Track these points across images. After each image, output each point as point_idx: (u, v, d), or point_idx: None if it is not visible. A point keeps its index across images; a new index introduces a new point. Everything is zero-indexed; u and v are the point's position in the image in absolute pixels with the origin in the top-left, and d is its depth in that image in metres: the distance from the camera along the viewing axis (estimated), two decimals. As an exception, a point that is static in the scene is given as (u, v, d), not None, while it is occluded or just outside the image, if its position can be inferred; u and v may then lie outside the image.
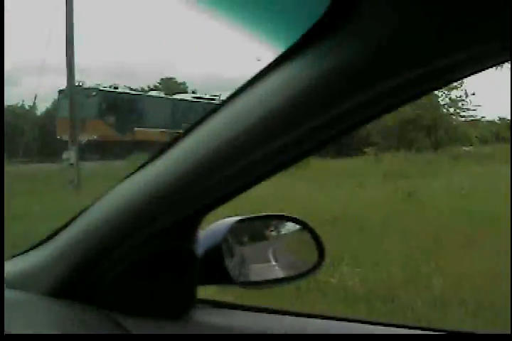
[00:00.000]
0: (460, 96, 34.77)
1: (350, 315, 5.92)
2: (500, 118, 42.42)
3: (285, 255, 2.24)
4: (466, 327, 5.76)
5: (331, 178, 18.51)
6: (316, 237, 2.04)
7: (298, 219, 2.08)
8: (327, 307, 6.23)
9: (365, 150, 26.88)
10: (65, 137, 20.47)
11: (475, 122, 37.39)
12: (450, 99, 34.87)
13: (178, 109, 29.14)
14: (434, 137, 32.78)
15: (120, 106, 27.01)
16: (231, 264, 2.09)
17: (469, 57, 0.95)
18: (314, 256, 2.05)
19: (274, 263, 2.23)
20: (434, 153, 28.45)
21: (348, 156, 26.44)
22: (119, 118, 27.15)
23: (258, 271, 2.22)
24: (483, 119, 38.50)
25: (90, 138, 25.23)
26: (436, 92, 34.72)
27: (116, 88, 30.02)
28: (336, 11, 0.93)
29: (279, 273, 2.15)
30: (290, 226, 2.19)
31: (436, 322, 5.91)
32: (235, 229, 2.12)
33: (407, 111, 32.16)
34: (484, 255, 7.59)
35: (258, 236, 2.30)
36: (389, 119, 31.83)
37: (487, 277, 6.77)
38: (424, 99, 33.46)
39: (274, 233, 2.27)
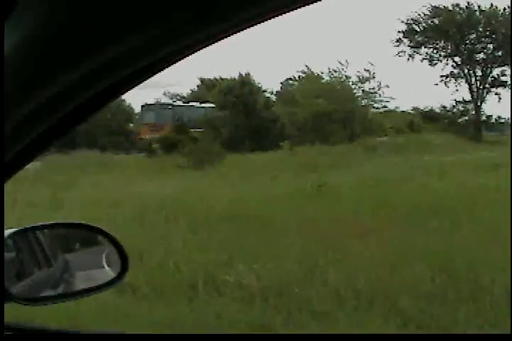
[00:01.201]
0: (373, 88, 35.37)
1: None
2: (413, 108, 43.46)
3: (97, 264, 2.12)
4: (360, 318, 5.77)
5: (245, 173, 18.46)
6: (118, 247, 1.94)
7: (98, 229, 1.96)
8: (222, 306, 6.13)
9: (281, 143, 26.96)
10: (147, 136, 31.77)
11: (389, 113, 38.14)
12: (363, 91, 35.42)
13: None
14: (350, 129, 33.18)
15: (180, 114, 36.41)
16: (44, 275, 1.95)
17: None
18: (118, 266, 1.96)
19: (107, 268, 2.10)
20: (350, 145, 28.78)
21: (264, 150, 26.45)
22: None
23: (89, 277, 2.09)
24: (397, 110, 39.34)
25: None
26: (350, 84, 35.28)
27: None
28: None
29: (110, 277, 2.03)
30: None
31: (333, 314, 5.90)
32: (42, 237, 1.98)
33: (322, 104, 32.50)
34: (381, 245, 7.64)
35: (90, 242, 2.17)
36: (301, 112, 32.07)
37: (382, 267, 6.80)
38: (339, 92, 33.96)
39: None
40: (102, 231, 1.92)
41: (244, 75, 35.80)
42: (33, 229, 1.81)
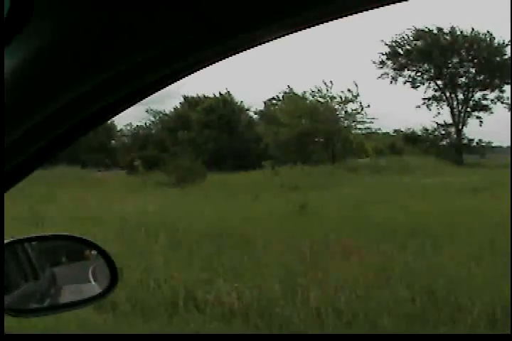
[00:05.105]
0: (356, 109, 35.57)
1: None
2: (395, 130, 43.76)
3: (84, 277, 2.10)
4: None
5: (227, 192, 18.45)
6: (108, 260, 1.93)
7: (89, 241, 1.95)
8: (202, 324, 6.09)
9: (263, 163, 27.02)
10: None
11: (371, 135, 38.37)
12: (346, 112, 35.61)
13: None
14: (332, 150, 33.34)
15: None
16: (31, 287, 1.94)
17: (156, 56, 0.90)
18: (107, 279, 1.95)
19: (93, 283, 2.09)
20: (331, 166, 28.90)
21: (246, 170, 26.48)
22: None
23: (76, 290, 2.08)
24: (379, 131, 39.62)
25: None
26: (333, 105, 35.45)
27: None
28: (16, 12, 0.87)
29: (97, 290, 2.02)
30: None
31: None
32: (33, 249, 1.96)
33: (305, 124, 32.64)
34: (362, 265, 7.65)
35: (77, 256, 2.15)
36: (284, 132, 32.15)
37: (363, 288, 6.80)
38: (322, 113, 34.11)
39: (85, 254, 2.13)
40: (92, 243, 1.91)
41: (226, 94, 35.88)
42: (21, 241, 1.80)
